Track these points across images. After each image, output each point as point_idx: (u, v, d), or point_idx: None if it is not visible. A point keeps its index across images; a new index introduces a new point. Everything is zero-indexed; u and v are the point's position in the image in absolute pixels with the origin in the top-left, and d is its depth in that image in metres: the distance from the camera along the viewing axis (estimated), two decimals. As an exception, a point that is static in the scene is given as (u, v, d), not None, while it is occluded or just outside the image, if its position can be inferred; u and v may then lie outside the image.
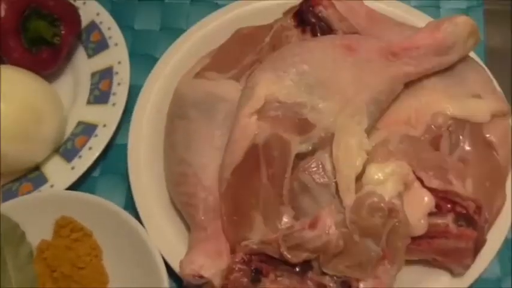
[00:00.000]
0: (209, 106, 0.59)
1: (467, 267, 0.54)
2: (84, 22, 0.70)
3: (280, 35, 0.63)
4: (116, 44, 0.69)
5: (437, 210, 0.53)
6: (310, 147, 0.54)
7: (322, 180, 0.53)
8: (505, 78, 0.65)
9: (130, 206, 0.61)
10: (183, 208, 0.58)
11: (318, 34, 0.62)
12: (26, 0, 0.65)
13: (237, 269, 0.51)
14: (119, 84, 0.66)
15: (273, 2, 0.68)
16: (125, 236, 0.56)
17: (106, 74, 0.67)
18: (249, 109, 0.54)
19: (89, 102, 0.67)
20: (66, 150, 0.64)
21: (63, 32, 0.67)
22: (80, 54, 0.70)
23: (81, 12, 0.69)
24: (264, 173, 0.54)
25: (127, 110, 0.66)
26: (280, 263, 0.51)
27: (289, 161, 0.54)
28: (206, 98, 0.59)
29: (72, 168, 0.63)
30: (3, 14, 0.63)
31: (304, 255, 0.50)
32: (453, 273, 0.55)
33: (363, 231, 0.50)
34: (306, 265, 0.51)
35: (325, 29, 0.62)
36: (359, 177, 0.52)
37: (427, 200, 0.53)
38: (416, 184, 0.53)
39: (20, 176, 0.64)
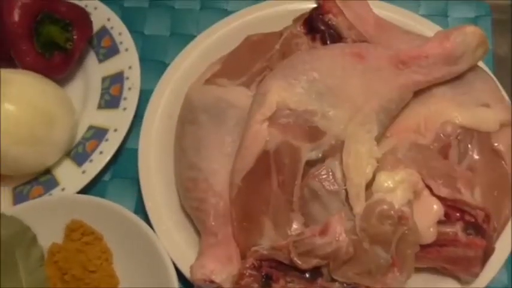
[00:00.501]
0: (219, 112, 0.59)
1: (475, 275, 0.54)
2: (95, 27, 0.70)
3: (290, 42, 0.63)
4: (127, 49, 0.69)
5: (446, 219, 0.53)
6: (320, 155, 0.54)
7: (332, 187, 0.53)
8: (513, 88, 0.65)
9: (140, 210, 0.61)
10: (194, 213, 0.58)
11: (328, 42, 0.62)
12: (39, 5, 0.65)
13: (247, 274, 0.51)
14: (129, 89, 0.67)
15: (283, 9, 0.68)
16: (135, 239, 0.57)
17: (117, 79, 0.68)
18: (260, 116, 0.54)
19: (99, 107, 0.67)
20: (77, 154, 0.64)
21: (75, 37, 0.67)
22: (91, 59, 0.70)
23: (92, 17, 0.70)
24: (274, 180, 0.54)
25: (137, 115, 0.66)
26: (290, 269, 0.51)
27: (300, 168, 0.54)
28: (216, 103, 0.60)
29: (83, 172, 0.63)
30: (16, 18, 0.64)
31: (314, 262, 0.51)
32: (461, 281, 0.55)
33: (372, 239, 0.51)
34: (316, 271, 0.51)
35: (334, 36, 0.62)
36: (369, 185, 0.53)
37: (436, 208, 0.53)
38: (426, 192, 0.54)
39: (31, 179, 0.64)
